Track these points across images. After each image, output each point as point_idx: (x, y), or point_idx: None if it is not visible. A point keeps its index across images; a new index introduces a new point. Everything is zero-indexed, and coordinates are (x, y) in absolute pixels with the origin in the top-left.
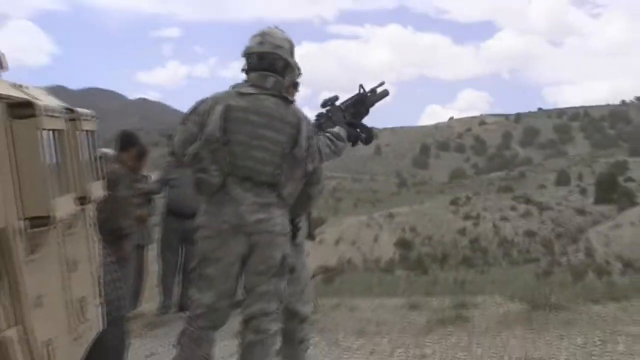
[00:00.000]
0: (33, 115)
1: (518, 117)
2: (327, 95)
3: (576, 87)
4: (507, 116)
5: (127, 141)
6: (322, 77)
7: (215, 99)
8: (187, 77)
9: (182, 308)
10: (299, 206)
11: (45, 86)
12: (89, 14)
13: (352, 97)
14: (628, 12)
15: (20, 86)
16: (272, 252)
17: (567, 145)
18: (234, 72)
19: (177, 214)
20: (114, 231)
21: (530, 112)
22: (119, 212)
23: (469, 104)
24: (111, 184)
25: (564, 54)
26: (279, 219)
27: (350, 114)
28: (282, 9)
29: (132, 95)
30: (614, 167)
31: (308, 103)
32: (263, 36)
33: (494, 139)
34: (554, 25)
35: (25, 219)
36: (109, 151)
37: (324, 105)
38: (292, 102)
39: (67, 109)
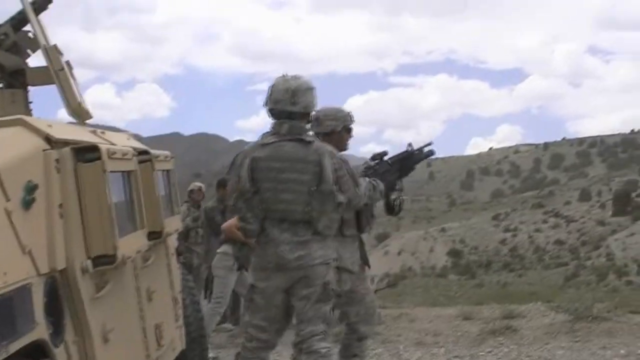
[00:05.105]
0: (98, 159)
1: (546, 145)
2: (390, 133)
3: (593, 120)
4: (536, 145)
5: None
6: (385, 118)
7: (244, 153)
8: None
9: None
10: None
11: (164, 133)
12: (199, 75)
13: (400, 154)
14: (633, 57)
15: (97, 131)
16: (313, 281)
17: (588, 167)
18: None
19: None
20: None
21: (556, 142)
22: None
23: (505, 136)
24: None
25: (582, 93)
26: (319, 252)
27: (396, 169)
28: (353, 65)
29: (233, 138)
30: (627, 185)
31: (373, 139)
32: (278, 93)
33: (526, 164)
34: (574, 70)
35: (90, 258)
36: (201, 185)
37: (373, 158)
38: (310, 142)
39: (142, 151)
